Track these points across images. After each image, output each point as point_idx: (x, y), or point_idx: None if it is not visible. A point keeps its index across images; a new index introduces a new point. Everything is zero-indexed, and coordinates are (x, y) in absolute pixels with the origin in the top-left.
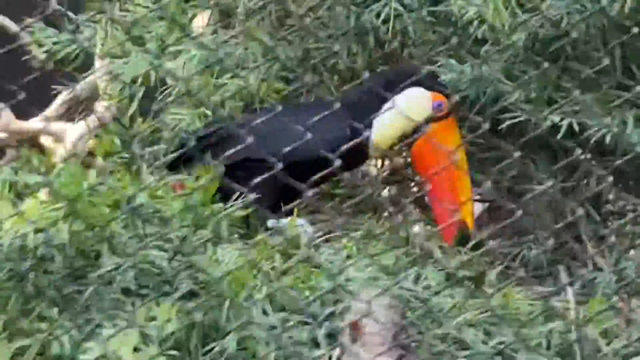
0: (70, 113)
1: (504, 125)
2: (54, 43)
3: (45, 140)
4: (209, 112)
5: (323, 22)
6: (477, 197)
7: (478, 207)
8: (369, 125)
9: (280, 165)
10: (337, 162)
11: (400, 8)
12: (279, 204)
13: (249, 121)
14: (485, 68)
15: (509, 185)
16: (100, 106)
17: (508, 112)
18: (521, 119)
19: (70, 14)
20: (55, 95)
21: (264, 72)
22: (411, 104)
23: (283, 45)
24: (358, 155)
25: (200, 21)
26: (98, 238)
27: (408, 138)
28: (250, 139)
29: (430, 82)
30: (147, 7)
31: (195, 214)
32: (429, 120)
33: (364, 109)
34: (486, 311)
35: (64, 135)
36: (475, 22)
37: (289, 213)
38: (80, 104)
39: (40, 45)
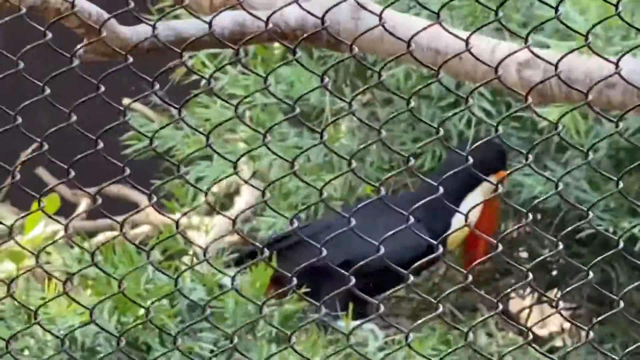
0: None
1: (583, 234)
2: (155, 132)
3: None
4: (302, 216)
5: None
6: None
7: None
8: (447, 226)
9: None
10: (411, 279)
11: (481, 114)
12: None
13: (325, 225)
14: (567, 176)
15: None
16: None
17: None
18: (601, 228)
19: (174, 106)
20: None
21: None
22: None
23: (369, 149)
24: (432, 260)
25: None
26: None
27: None
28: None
29: (497, 163)
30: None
31: (247, 311)
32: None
33: (441, 209)
34: None
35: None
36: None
37: (359, 316)
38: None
39: (139, 139)
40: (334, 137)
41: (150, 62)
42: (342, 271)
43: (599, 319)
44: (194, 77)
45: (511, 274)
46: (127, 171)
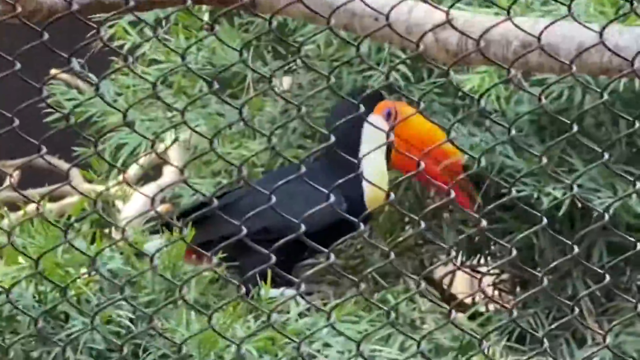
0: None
1: (506, 199)
2: (75, 106)
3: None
4: (224, 181)
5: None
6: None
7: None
8: (360, 188)
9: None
10: (362, 227)
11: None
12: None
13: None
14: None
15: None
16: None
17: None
18: (525, 192)
19: (91, 76)
20: (77, 157)
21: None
22: (373, 138)
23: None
24: (357, 212)
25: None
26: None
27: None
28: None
29: (370, 101)
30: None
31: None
32: (390, 132)
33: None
34: None
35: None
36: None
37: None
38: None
39: (60, 107)
40: (257, 105)
41: (76, 25)
42: (260, 248)
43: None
44: (116, 42)
45: (434, 243)
46: (44, 149)
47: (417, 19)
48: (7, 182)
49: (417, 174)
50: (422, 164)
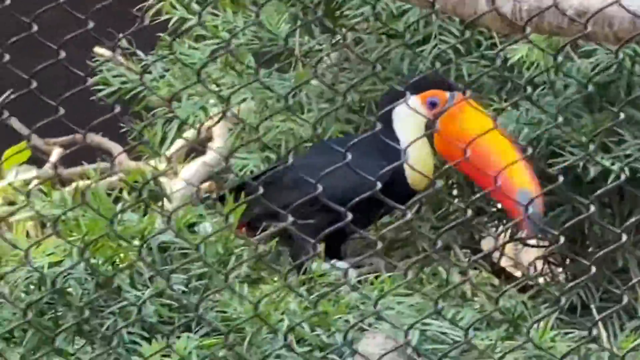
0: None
1: (555, 169)
2: (122, 83)
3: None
4: (272, 156)
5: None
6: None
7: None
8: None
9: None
10: (378, 186)
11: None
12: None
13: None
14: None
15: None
16: (213, 147)
17: (561, 156)
18: (573, 162)
19: (139, 52)
20: (125, 134)
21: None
22: (409, 121)
23: (339, 89)
24: (401, 192)
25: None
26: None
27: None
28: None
29: (417, 86)
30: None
31: (221, 250)
32: (434, 121)
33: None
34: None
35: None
36: (528, 66)
37: (334, 256)
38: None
39: (107, 84)
40: (303, 77)
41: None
42: (336, 205)
43: None
44: (163, 17)
45: (485, 213)
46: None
47: None
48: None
49: (460, 163)
50: (468, 153)
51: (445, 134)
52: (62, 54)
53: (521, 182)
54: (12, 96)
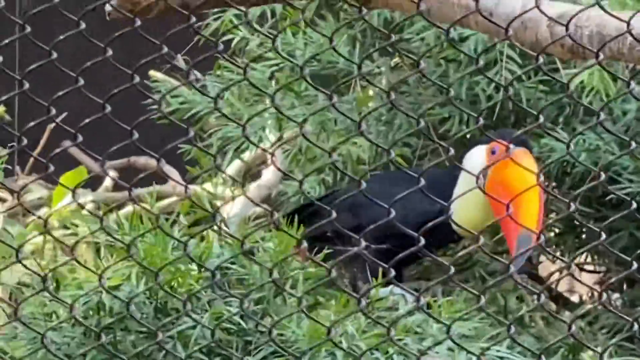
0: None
1: (612, 196)
2: (181, 103)
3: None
4: (328, 179)
5: (438, 89)
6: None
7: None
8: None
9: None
10: (422, 242)
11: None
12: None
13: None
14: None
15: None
16: (268, 172)
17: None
18: (631, 189)
19: (197, 73)
20: (182, 155)
21: (377, 137)
22: (472, 165)
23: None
24: (448, 233)
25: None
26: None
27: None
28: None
29: (489, 137)
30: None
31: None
32: (485, 169)
33: (446, 186)
34: None
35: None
36: (587, 91)
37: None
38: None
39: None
40: (363, 100)
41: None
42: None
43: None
44: (221, 38)
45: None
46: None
47: (532, 14)
48: (107, 181)
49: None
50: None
51: (491, 184)
52: (137, 79)
53: (528, 224)
54: (87, 120)
